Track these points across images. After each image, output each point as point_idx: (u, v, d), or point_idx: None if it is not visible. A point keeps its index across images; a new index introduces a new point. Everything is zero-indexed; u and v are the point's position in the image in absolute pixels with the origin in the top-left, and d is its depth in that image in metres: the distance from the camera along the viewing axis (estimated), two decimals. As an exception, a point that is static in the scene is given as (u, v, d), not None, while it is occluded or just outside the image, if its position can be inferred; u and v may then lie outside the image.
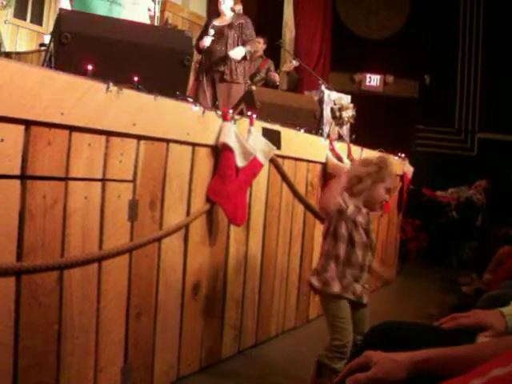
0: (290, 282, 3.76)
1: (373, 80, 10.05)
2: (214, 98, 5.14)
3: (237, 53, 5.23)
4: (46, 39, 5.31)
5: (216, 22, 5.36)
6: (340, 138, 4.54)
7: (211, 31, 5.18)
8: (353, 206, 2.60)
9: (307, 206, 3.83)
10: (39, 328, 2.06)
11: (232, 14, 5.39)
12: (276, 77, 6.49)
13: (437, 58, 9.57)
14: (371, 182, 2.62)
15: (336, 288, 2.57)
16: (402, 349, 1.30)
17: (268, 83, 6.51)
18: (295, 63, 6.41)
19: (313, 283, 2.64)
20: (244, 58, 5.30)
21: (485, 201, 7.75)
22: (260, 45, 6.67)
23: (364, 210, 2.65)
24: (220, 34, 5.27)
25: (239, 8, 5.48)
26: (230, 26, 5.33)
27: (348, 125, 4.73)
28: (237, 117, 2.98)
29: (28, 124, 1.95)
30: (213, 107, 2.85)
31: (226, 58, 5.24)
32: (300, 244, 3.86)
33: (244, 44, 5.30)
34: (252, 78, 6.42)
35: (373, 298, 2.88)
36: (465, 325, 1.55)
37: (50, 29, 4.62)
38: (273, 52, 7.11)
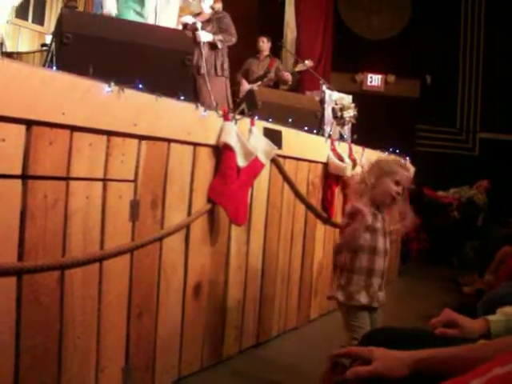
0: (292, 281, 3.76)
1: (374, 80, 10.04)
2: (195, 93, 5.13)
3: (204, 35, 5.23)
4: (48, 39, 5.32)
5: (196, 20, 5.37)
6: (341, 137, 4.54)
7: (198, 24, 5.21)
8: (370, 213, 2.60)
9: (308, 206, 3.83)
10: (40, 328, 2.06)
11: (211, 11, 5.43)
12: (289, 76, 6.47)
13: (438, 57, 9.57)
14: (375, 178, 2.62)
15: (363, 300, 2.58)
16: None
17: (280, 83, 6.49)
18: (308, 63, 6.39)
19: (338, 298, 2.62)
20: (214, 46, 5.31)
21: (486, 201, 7.75)
22: (264, 44, 6.67)
23: (380, 216, 2.65)
24: (197, 30, 5.26)
25: (219, 6, 5.52)
26: (208, 21, 5.37)
27: (349, 125, 4.73)
28: (238, 117, 2.98)
29: (29, 124, 1.95)
30: (208, 105, 2.82)
31: (201, 52, 5.20)
32: (301, 244, 3.86)
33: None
34: (262, 78, 6.42)
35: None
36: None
37: (52, 29, 4.62)
38: (274, 52, 7.11)
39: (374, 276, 2.62)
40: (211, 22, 5.38)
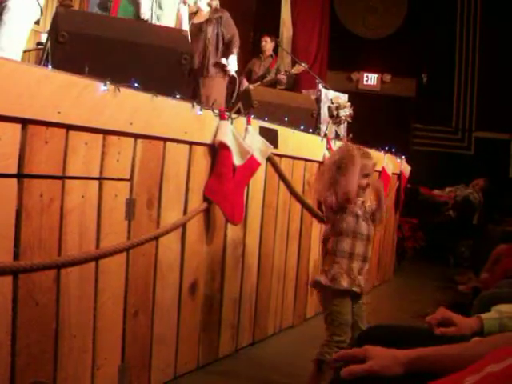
0: (288, 280, 3.77)
1: (370, 79, 10.05)
2: (198, 94, 5.13)
3: (233, 64, 5.28)
4: (43, 38, 5.30)
5: (194, 20, 5.33)
6: (337, 136, 4.55)
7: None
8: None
9: (304, 205, 3.84)
10: (36, 327, 2.05)
11: (209, 9, 5.37)
12: (285, 79, 6.47)
13: (434, 56, 9.58)
14: (342, 172, 2.60)
15: (344, 283, 2.59)
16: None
17: (277, 84, 6.49)
18: (304, 66, 6.40)
19: (320, 281, 2.63)
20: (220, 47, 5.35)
21: (482, 199, 7.76)
22: (267, 44, 6.68)
23: (359, 201, 2.67)
24: (199, 30, 5.25)
25: (216, 3, 5.44)
26: (209, 21, 5.30)
27: (345, 123, 4.74)
28: (234, 115, 2.98)
29: (25, 123, 1.95)
30: (202, 104, 2.82)
31: (205, 54, 5.21)
32: (297, 242, 3.86)
33: (227, 46, 5.32)
34: (262, 77, 6.43)
35: (370, 297, 2.89)
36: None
37: (47, 28, 4.61)
38: (273, 51, 7.11)
39: (355, 260, 2.64)
40: (211, 21, 5.30)
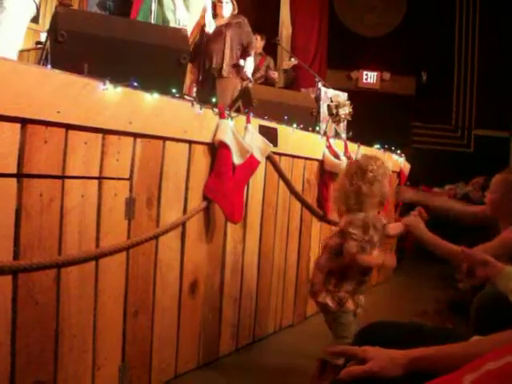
0: (288, 278, 3.77)
1: (369, 77, 10.05)
2: (215, 94, 5.16)
3: (250, 66, 5.42)
4: (43, 37, 5.31)
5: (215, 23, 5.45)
6: (337, 135, 4.55)
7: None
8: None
9: (304, 204, 3.83)
10: (36, 326, 2.06)
11: (230, 14, 5.52)
12: (275, 75, 6.53)
13: (433, 54, 9.58)
14: (367, 185, 2.59)
15: (351, 306, 2.61)
16: (390, 348, 1.31)
17: (267, 81, 6.51)
18: (294, 61, 6.42)
19: (328, 304, 2.62)
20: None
21: (482, 197, 7.75)
22: (258, 42, 6.68)
23: (378, 224, 2.66)
24: (218, 33, 5.35)
25: (235, 9, 5.60)
26: (228, 25, 5.44)
27: (345, 122, 4.74)
28: (233, 114, 2.98)
29: (24, 122, 1.95)
30: (209, 104, 2.83)
31: (223, 56, 5.30)
32: (297, 241, 3.86)
33: (244, 49, 5.43)
34: (251, 75, 6.43)
35: (369, 295, 2.89)
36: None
37: (46, 27, 4.61)
38: (270, 50, 7.11)
39: (362, 285, 2.66)
40: (231, 26, 5.42)
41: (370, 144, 4.85)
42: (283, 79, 7.19)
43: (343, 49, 9.36)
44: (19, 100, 1.90)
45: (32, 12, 3.31)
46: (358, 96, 6.41)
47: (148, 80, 2.43)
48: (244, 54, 5.49)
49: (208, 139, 2.80)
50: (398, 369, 1.24)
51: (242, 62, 5.42)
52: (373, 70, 9.98)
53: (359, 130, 4.84)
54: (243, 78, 5.46)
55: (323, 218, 4.10)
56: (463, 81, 10.06)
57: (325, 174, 4.01)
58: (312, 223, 4.02)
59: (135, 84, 2.37)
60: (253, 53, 5.51)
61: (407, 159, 6.03)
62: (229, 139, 2.80)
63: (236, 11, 5.58)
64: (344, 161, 4.05)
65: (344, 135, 4.69)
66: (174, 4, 3.95)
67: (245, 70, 5.43)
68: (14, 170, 1.93)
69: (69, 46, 2.40)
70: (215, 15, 5.54)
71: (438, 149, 9.76)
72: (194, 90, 5.40)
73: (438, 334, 1.52)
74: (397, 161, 5.62)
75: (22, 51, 5.87)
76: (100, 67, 2.33)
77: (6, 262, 1.92)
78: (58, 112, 2.03)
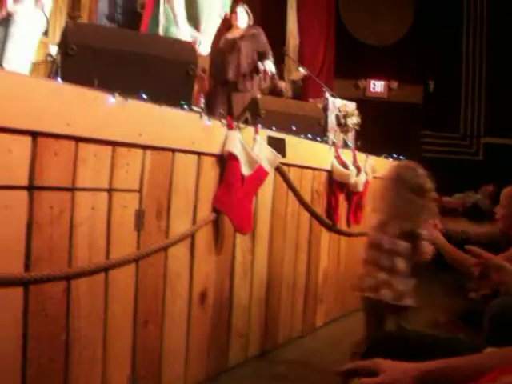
0: (297, 289, 3.76)
1: (377, 86, 10.05)
2: (230, 108, 5.13)
3: (270, 65, 5.30)
4: (52, 49, 5.36)
5: (228, 35, 5.39)
6: (345, 145, 4.55)
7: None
8: None
9: (313, 214, 3.83)
10: (47, 338, 2.07)
11: (245, 26, 5.43)
12: (283, 84, 6.47)
13: (441, 62, 9.57)
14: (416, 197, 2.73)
15: (408, 301, 2.77)
16: (402, 359, 1.30)
17: (274, 91, 6.50)
18: (303, 71, 6.37)
19: (386, 298, 2.70)
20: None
21: (491, 206, 7.72)
22: None
23: None
24: (232, 45, 5.29)
25: (250, 20, 5.52)
26: (243, 37, 5.35)
27: (353, 132, 4.74)
28: (242, 125, 2.99)
29: (35, 135, 1.96)
30: (218, 116, 2.84)
31: (239, 69, 5.24)
32: (306, 251, 3.86)
33: (261, 56, 5.34)
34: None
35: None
36: None
37: (56, 39, 4.65)
38: (277, 60, 7.11)
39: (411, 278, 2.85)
40: (245, 37, 5.35)
41: (378, 153, 4.85)
42: (291, 90, 7.19)
43: (350, 58, 9.36)
44: (30, 113, 1.92)
45: (43, 26, 3.35)
46: (366, 105, 6.40)
47: (157, 92, 2.45)
48: (261, 59, 5.33)
49: (217, 150, 2.81)
50: (411, 381, 1.24)
51: (260, 64, 5.27)
52: (380, 78, 10.00)
53: (368, 139, 4.84)
54: (261, 87, 5.37)
55: (332, 228, 4.10)
56: (471, 88, 10.05)
57: (334, 184, 4.01)
58: (321, 233, 4.02)
59: (144, 96, 2.39)
60: (272, 58, 5.36)
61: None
62: (237, 150, 2.81)
63: (252, 22, 5.50)
64: (353, 170, 4.05)
65: (352, 145, 4.68)
66: (176, 20, 3.94)
67: (267, 70, 5.27)
68: (25, 183, 1.95)
69: (79, 60, 2.42)
70: (230, 26, 5.47)
71: (447, 157, 9.73)
72: (202, 100, 5.38)
73: (450, 345, 1.51)
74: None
75: (32, 64, 5.93)
76: (109, 80, 2.34)
77: (17, 273, 1.94)
78: (68, 125, 2.05)
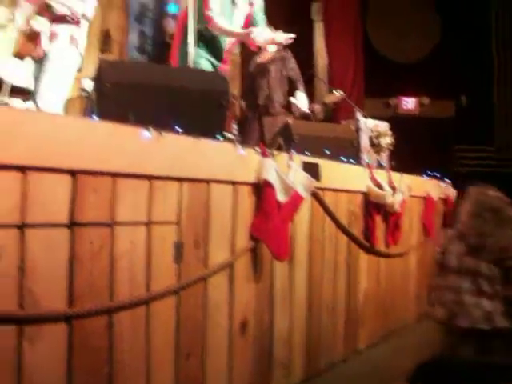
0: (337, 312, 3.72)
1: (408, 103, 10.00)
2: (261, 133, 5.13)
3: (303, 100, 5.26)
4: (85, 83, 5.47)
5: (258, 60, 5.39)
6: (379, 165, 4.52)
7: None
8: None
9: (351, 237, 3.81)
10: (90, 371, 2.08)
11: (274, 49, 5.34)
12: (319, 108, 6.41)
13: (471, 76, 9.48)
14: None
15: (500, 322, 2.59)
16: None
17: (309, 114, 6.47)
18: (338, 94, 6.29)
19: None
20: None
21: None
22: None
23: None
24: (262, 69, 5.28)
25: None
26: (272, 60, 5.31)
27: (387, 152, 4.71)
28: (275, 152, 3.00)
29: (74, 173, 2.00)
30: (251, 144, 2.86)
31: (269, 93, 5.24)
32: (345, 274, 3.82)
33: (292, 84, 5.31)
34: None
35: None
36: None
37: (88, 73, 4.75)
38: (306, 82, 7.11)
39: None
40: (275, 61, 5.31)
41: (412, 171, 4.79)
42: (322, 111, 7.16)
43: (380, 76, 9.32)
44: (69, 152, 1.96)
45: (78, 64, 3.43)
46: (398, 123, 6.36)
47: (190, 123, 2.48)
48: (293, 89, 5.29)
49: (252, 179, 2.82)
50: None
51: (292, 99, 5.23)
52: (411, 95, 9.94)
53: (401, 157, 4.80)
54: (295, 115, 5.32)
55: (371, 250, 4.06)
56: (503, 100, 9.91)
57: (370, 205, 3.99)
58: (359, 255, 3.99)
59: (178, 129, 2.41)
60: (302, 88, 5.30)
61: (452, 184, 5.92)
62: (272, 178, 2.81)
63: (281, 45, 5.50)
64: (388, 191, 4.02)
65: (386, 165, 4.65)
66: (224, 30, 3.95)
67: (298, 106, 5.20)
68: (65, 220, 1.98)
69: (113, 96, 2.47)
70: (259, 49, 5.43)
71: (482, 171, 9.57)
72: (234, 126, 5.36)
73: (505, 371, 1.47)
74: (442, 187, 5.53)
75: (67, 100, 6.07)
76: (144, 114, 2.38)
77: (60, 309, 1.96)
78: (106, 161, 2.08)
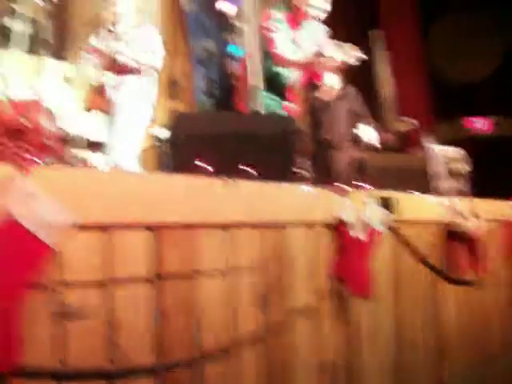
0: (426, 347, 3.61)
1: (480, 123, 9.72)
2: (333, 169, 5.08)
3: (367, 132, 5.19)
4: (157, 132, 5.64)
5: (319, 94, 5.36)
6: (457, 193, 4.40)
7: None
8: None
9: (433, 268, 3.70)
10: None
11: (338, 87, 5.35)
12: (390, 138, 6.28)
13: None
14: None
15: None
16: None
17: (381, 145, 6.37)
18: (411, 123, 6.17)
19: None
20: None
21: None
22: None
23: None
24: (325, 105, 5.24)
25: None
26: (337, 97, 5.27)
27: (464, 177, 4.58)
28: (349, 189, 2.97)
29: (154, 228, 2.05)
30: (325, 183, 2.85)
31: (337, 128, 5.18)
32: (430, 306, 3.71)
33: (360, 119, 5.26)
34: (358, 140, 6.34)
35: None
36: None
37: (159, 121, 4.90)
38: (372, 111, 7.04)
39: None
40: (339, 98, 5.17)
41: (493, 193, 4.60)
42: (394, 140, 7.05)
43: (448, 99, 9.14)
44: (148, 207, 2.01)
45: (149, 114, 3.54)
46: (473, 145, 6.19)
47: (262, 168, 2.50)
48: (359, 123, 5.10)
49: (328, 218, 2.81)
50: None
51: (359, 132, 5.15)
52: (483, 115, 9.66)
53: (479, 181, 4.66)
54: (363, 148, 5.24)
55: (455, 281, 3.93)
56: None
57: (450, 234, 3.87)
58: (444, 287, 3.86)
59: (251, 175, 2.44)
60: (370, 121, 5.22)
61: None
62: (348, 216, 2.79)
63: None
64: (468, 218, 3.90)
65: (464, 190, 4.52)
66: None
67: (366, 139, 5.02)
68: (150, 275, 2.02)
69: (186, 147, 2.53)
70: (321, 86, 5.41)
71: None
72: (307, 163, 5.26)
73: None
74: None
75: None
76: (217, 162, 2.42)
77: (148, 362, 1.99)
78: (184, 214, 2.12)
